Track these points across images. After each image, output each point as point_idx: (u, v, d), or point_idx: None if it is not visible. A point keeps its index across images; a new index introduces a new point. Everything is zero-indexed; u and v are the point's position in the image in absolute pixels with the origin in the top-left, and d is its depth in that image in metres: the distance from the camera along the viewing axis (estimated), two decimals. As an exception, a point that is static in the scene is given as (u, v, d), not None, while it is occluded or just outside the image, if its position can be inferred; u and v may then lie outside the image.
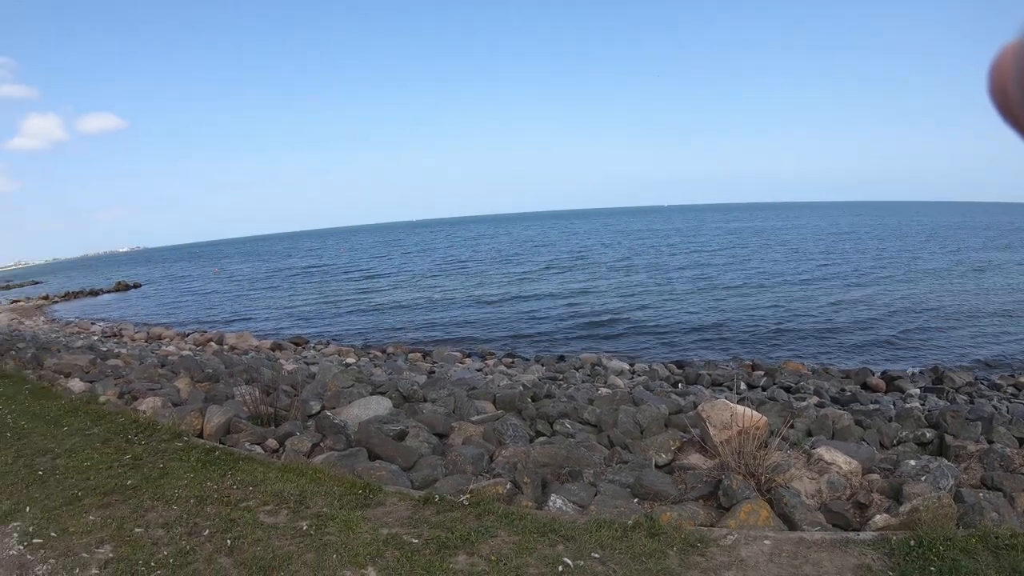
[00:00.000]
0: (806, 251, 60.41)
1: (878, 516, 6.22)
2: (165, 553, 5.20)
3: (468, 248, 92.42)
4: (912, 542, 5.19)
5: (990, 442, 10.02)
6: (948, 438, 9.93)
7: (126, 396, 11.49)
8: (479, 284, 46.47)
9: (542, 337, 27.41)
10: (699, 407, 8.91)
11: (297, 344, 27.33)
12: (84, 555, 5.23)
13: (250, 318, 39.04)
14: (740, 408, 8.11)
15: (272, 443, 8.67)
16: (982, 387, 17.59)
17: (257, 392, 10.54)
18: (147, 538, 5.46)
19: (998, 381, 18.29)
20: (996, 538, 5.13)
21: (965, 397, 16.21)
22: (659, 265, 52.09)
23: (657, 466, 8.03)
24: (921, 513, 5.91)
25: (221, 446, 8.18)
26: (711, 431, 8.15)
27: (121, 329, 35.56)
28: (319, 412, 10.11)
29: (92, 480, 6.92)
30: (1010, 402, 15.52)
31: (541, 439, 9.58)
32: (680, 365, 21.17)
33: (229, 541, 5.38)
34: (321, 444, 8.56)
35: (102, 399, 11.03)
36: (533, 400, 12.01)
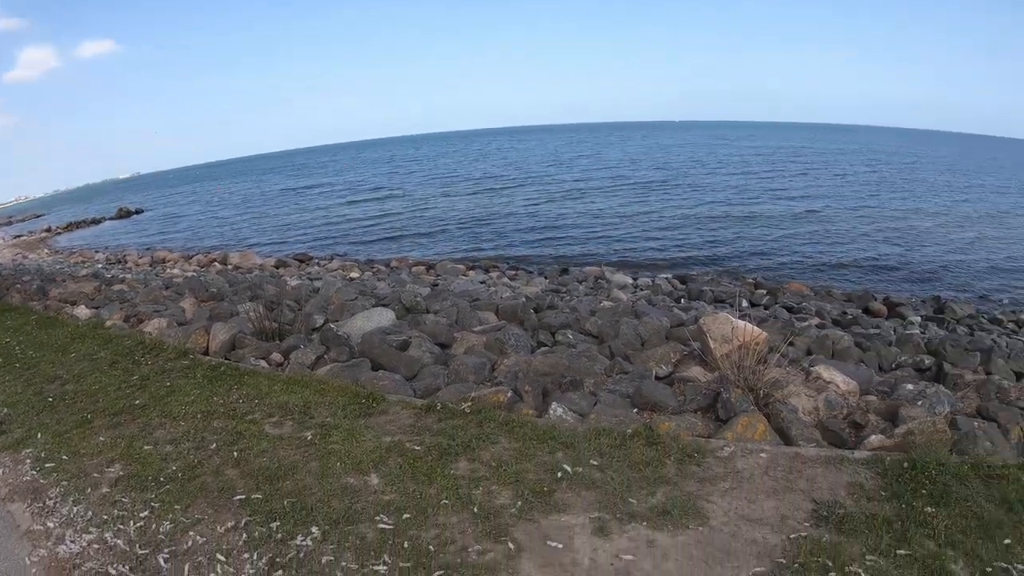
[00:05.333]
0: (816, 173, 59.17)
1: (873, 436, 6.29)
2: (174, 468, 5.31)
3: (478, 163, 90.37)
4: (905, 464, 5.25)
5: (988, 373, 10.16)
6: (947, 366, 10.02)
7: (132, 320, 11.60)
8: (487, 199, 46.00)
9: (546, 251, 27.37)
10: (700, 320, 8.86)
11: (301, 261, 27.33)
12: (95, 475, 5.35)
13: (254, 238, 38.99)
14: (741, 323, 8.08)
15: (277, 357, 8.77)
16: (983, 320, 17.57)
17: (261, 308, 10.61)
18: (156, 455, 5.57)
19: (999, 316, 18.28)
20: (988, 467, 5.18)
21: (965, 329, 16.24)
22: (670, 183, 51.04)
23: (657, 378, 8.05)
24: (916, 436, 5.96)
25: (226, 362, 8.28)
26: (711, 344, 8.14)
27: (125, 255, 35.61)
28: (323, 325, 10.13)
29: (101, 403, 7.03)
30: (1010, 338, 15.51)
31: (543, 349, 9.65)
32: (683, 280, 21.20)
33: (236, 453, 5.50)
34: (325, 356, 8.62)
35: (108, 324, 11.13)
36: (536, 311, 12.04)
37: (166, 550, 4.33)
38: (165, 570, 4.17)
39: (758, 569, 4.15)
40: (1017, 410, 7.69)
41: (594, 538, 4.42)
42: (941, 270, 24.19)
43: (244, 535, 4.43)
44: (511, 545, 4.31)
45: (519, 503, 4.73)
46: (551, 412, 6.53)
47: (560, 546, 4.33)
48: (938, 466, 5.16)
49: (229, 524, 4.55)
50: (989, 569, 4.08)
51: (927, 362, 10.42)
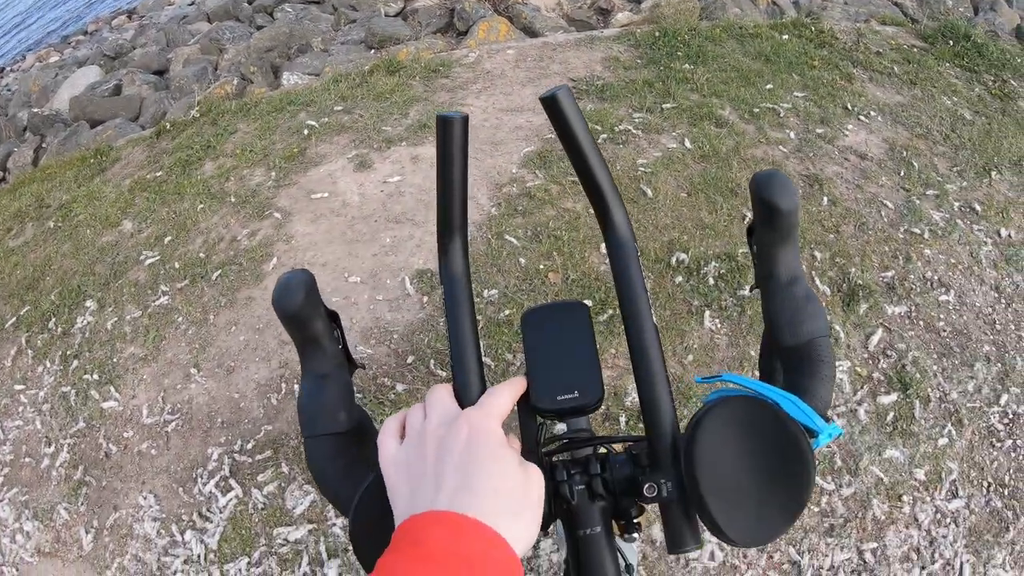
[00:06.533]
0: None
1: (620, 15, 6.51)
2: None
3: None
4: (657, 33, 5.40)
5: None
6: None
7: None
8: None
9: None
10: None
11: (-11, 82, 24.16)
12: None
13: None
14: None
15: (-4, 178, 7.86)
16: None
17: (-43, 152, 9.50)
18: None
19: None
20: (740, 28, 5.46)
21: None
22: None
23: (388, 16, 7.76)
24: (663, 8, 6.20)
25: (-53, 216, 7.40)
26: (436, -37, 7.86)
27: None
28: (30, 119, 9.13)
29: None
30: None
31: (263, 29, 9.00)
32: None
33: (-11, 284, 4.95)
34: (43, 145, 7.72)
35: None
36: (249, 2, 11.11)
37: (-28, 422, 3.94)
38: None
39: (528, 149, 4.27)
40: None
41: (357, 174, 4.33)
42: None
43: (30, 352, 4.03)
44: (278, 215, 4.13)
45: (274, 174, 4.50)
46: (284, 82, 6.35)
47: (326, 194, 4.21)
48: (690, 31, 5.42)
49: (12, 352, 4.11)
50: (756, 110, 4.44)
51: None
